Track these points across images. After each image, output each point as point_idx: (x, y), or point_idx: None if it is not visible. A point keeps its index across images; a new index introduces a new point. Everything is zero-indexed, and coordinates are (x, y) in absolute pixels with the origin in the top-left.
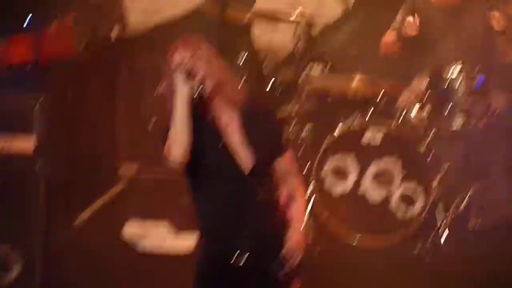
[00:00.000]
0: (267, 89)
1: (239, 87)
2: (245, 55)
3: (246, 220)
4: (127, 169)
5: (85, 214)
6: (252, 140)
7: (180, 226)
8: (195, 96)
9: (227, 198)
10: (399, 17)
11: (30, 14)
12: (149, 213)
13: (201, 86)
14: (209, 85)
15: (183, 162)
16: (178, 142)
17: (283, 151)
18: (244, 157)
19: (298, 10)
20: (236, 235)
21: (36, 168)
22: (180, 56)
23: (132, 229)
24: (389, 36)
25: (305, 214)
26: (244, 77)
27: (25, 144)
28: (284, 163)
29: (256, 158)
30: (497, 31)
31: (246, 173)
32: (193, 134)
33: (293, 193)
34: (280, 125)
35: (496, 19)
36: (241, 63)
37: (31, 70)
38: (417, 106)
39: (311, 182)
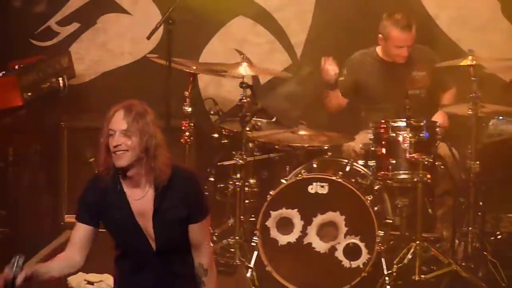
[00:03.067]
0: (214, 136)
1: (167, 158)
2: (191, 101)
3: None
4: (71, 222)
5: (29, 263)
6: (166, 208)
7: None
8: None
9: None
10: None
11: None
12: (93, 264)
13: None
14: (136, 153)
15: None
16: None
17: (200, 217)
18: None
19: (243, 64)
20: None
21: None
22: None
23: (75, 283)
24: (334, 95)
25: None
26: (192, 123)
27: None
28: (199, 230)
29: (162, 235)
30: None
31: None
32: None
33: (206, 265)
34: (201, 191)
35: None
36: (189, 110)
37: None
38: (361, 161)
39: (256, 232)
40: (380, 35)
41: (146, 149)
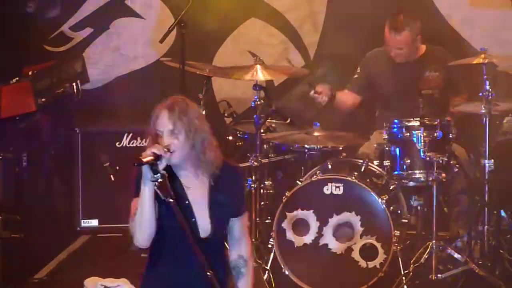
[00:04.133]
0: (229, 138)
1: (216, 150)
2: (204, 104)
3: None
4: (87, 226)
5: (45, 269)
6: (218, 200)
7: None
8: (160, 180)
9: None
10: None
11: None
12: (108, 269)
13: (167, 160)
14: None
15: (146, 245)
16: (142, 230)
17: (242, 211)
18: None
19: (257, 66)
20: None
21: None
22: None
23: (91, 286)
24: (344, 94)
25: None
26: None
27: None
28: (241, 224)
29: (214, 225)
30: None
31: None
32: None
33: (246, 257)
34: (244, 186)
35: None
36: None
37: None
38: (376, 162)
39: (272, 234)
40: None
41: (193, 145)
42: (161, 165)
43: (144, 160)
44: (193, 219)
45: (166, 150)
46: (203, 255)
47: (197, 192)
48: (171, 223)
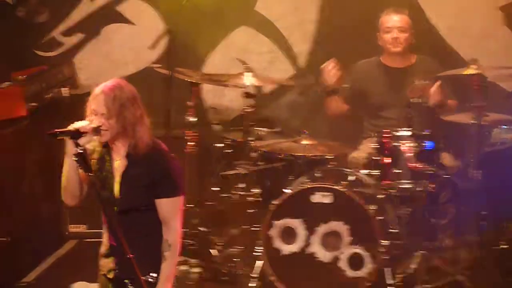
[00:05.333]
0: (217, 146)
1: (146, 132)
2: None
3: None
4: (74, 231)
5: (32, 274)
6: (134, 177)
7: None
8: (79, 152)
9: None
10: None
11: None
12: (95, 274)
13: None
14: (113, 130)
15: (75, 205)
16: (65, 192)
17: (167, 194)
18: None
19: (246, 74)
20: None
21: None
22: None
23: None
24: (334, 100)
25: (173, 272)
26: (196, 133)
27: None
28: (167, 206)
29: (125, 199)
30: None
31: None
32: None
33: (171, 241)
34: (172, 169)
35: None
36: (193, 119)
37: None
38: (365, 171)
39: (259, 242)
40: (377, 33)
41: (124, 127)
42: (83, 140)
43: (58, 131)
44: (111, 193)
45: (95, 128)
46: (118, 226)
47: (119, 167)
48: (101, 194)
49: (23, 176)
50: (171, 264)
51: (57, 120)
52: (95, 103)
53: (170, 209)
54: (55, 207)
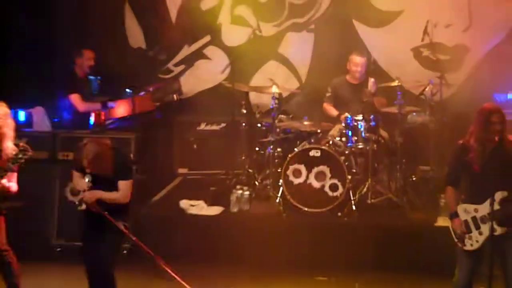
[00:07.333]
0: (258, 126)
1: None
2: (245, 107)
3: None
4: (181, 171)
5: (157, 196)
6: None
7: (209, 203)
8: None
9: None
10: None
11: (128, 88)
12: (193, 195)
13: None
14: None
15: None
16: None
17: (124, 178)
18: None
19: (273, 86)
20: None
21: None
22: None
23: (184, 204)
24: (330, 109)
25: (106, 198)
26: (244, 123)
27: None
28: (122, 186)
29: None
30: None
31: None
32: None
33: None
34: (125, 162)
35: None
36: (244, 111)
37: (129, 119)
38: (338, 138)
39: (281, 179)
40: (348, 62)
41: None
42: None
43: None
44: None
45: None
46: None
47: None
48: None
49: (158, 139)
50: (112, 194)
51: (171, 112)
52: (84, 160)
53: (120, 190)
54: (170, 157)
